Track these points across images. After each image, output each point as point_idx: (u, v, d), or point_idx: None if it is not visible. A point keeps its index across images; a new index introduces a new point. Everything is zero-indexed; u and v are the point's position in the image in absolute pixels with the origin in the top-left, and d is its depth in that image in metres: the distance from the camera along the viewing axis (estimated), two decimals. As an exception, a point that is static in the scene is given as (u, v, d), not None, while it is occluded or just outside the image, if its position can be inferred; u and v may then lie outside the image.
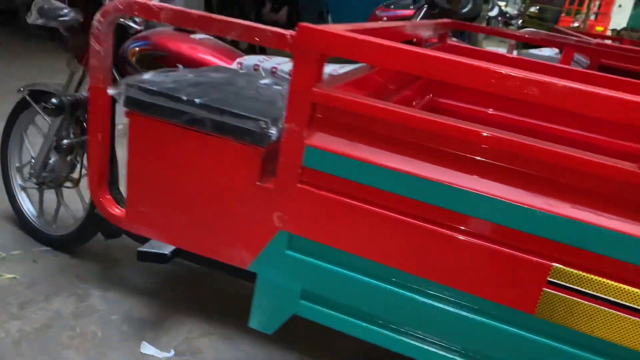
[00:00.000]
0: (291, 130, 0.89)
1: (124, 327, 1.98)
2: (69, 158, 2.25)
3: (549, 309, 0.81)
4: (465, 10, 3.81)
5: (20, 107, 2.32)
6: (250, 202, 0.97)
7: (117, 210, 1.09)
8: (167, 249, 1.87)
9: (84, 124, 2.12)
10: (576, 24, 10.99)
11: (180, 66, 1.82)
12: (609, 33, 10.51)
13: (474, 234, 0.84)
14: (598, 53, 2.29)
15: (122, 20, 1.90)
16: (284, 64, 1.76)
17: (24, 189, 2.45)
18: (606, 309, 0.78)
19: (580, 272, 0.79)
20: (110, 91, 1.03)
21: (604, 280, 0.78)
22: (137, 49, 1.83)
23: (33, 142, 2.41)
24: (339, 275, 0.94)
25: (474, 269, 0.84)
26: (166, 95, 0.96)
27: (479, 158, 0.83)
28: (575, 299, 0.80)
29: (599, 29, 10.85)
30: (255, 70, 1.78)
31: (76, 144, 1.89)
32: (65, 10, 1.83)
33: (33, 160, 2.27)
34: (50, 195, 2.41)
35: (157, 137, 0.98)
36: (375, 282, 0.91)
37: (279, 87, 1.12)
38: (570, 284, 0.80)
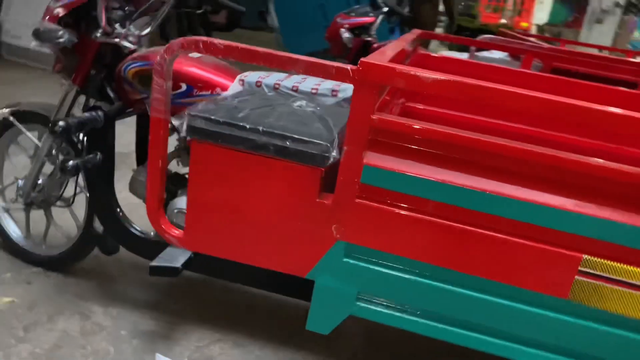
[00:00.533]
0: (351, 152, 1.01)
1: (135, 341, 2.02)
2: (58, 177, 2.26)
3: (580, 293, 0.98)
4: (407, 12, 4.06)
5: (1, 128, 2.29)
6: (310, 217, 1.07)
7: (176, 232, 1.16)
8: (178, 262, 1.93)
9: (78, 145, 2.13)
10: (503, 21, 11.61)
11: (183, 85, 1.87)
12: (533, 29, 11.21)
13: (515, 234, 0.99)
14: (551, 57, 2.53)
15: (116, 40, 1.93)
16: (285, 80, 1.85)
17: (7, 210, 2.41)
18: (630, 290, 0.95)
19: (607, 261, 0.96)
20: (175, 121, 1.10)
21: (627, 266, 0.95)
22: (138, 68, 1.86)
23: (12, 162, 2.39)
24: (392, 277, 1.07)
25: (517, 264, 0.99)
26: (231, 125, 1.04)
27: (518, 169, 0.98)
28: (602, 283, 0.97)
29: (524, 24, 11.54)
30: (258, 86, 1.86)
31: (81, 165, 1.91)
32: (61, 32, 1.84)
33: (20, 181, 2.24)
34: (34, 215, 2.38)
35: (220, 163, 1.07)
36: (426, 281, 1.05)
37: (312, 109, 1.23)
38: (598, 271, 0.97)
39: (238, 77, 1.93)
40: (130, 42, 1.98)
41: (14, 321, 2.02)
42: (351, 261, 1.09)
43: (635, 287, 0.96)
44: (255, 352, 2.06)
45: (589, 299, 0.98)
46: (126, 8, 2.02)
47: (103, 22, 1.90)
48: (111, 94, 2.05)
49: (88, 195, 2.07)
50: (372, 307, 1.11)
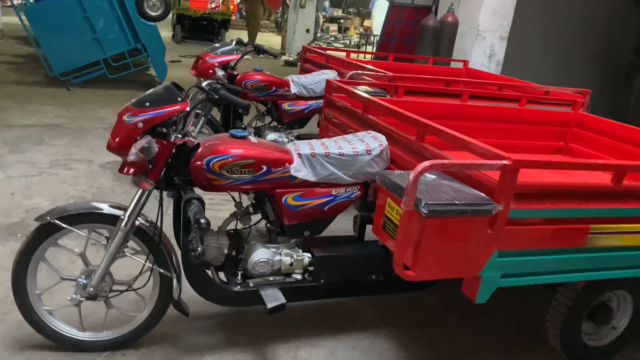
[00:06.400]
0: (505, 204, 1.93)
1: (250, 372, 2.49)
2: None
3: (590, 242, 2.16)
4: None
5: (44, 234, 2.32)
6: (483, 241, 1.95)
7: (411, 273, 1.90)
8: (282, 299, 2.52)
9: (148, 233, 2.39)
10: (213, 5, 12.75)
11: (264, 167, 2.36)
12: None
13: (569, 223, 2.10)
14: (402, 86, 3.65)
15: (187, 138, 2.28)
16: (317, 148, 2.50)
17: (50, 313, 2.45)
18: (611, 235, 2.17)
19: (601, 225, 2.15)
20: (424, 210, 1.80)
21: (612, 225, 2.16)
22: (222, 162, 2.26)
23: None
24: (520, 260, 2.07)
25: (571, 236, 2.11)
26: (449, 204, 1.82)
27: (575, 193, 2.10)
28: (600, 235, 2.16)
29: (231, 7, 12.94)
30: (313, 157, 2.47)
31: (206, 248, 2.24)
32: (155, 145, 2.13)
33: (81, 279, 2.35)
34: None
35: (443, 225, 1.85)
36: (537, 257, 2.08)
37: (441, 179, 2.07)
38: (598, 230, 2.15)
39: (293, 151, 2.51)
40: (193, 137, 2.37)
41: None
42: (501, 259, 2.05)
43: (614, 233, 2.21)
44: (326, 346, 2.76)
45: (594, 243, 2.19)
46: (183, 110, 2.38)
47: (190, 126, 2.27)
48: (180, 183, 2.40)
49: (182, 269, 2.39)
50: (508, 279, 2.10)
